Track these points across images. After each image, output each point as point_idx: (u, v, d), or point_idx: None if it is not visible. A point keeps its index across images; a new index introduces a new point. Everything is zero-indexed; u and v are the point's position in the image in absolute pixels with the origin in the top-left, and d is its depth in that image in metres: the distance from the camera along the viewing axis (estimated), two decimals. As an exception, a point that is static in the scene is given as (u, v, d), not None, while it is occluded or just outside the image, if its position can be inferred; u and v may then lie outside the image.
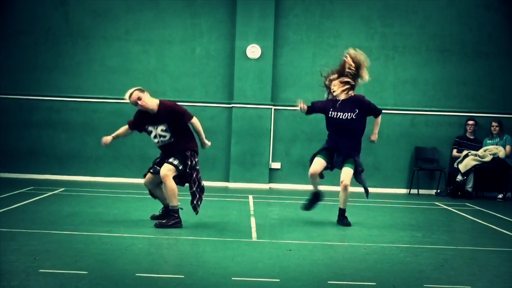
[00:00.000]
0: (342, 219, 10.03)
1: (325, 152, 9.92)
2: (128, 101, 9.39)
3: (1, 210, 10.00)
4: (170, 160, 9.22)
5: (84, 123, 14.95)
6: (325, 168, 9.98)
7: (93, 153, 14.90)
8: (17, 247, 7.56)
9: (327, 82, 9.99)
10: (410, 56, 15.14)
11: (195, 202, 9.37)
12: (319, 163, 9.85)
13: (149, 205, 11.01)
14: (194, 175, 9.43)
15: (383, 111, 14.80)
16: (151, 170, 9.50)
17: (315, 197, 10.19)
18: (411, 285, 6.71)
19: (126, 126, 9.72)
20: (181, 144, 9.34)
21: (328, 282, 6.64)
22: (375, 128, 10.27)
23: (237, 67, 14.86)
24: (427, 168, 14.85)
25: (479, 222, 10.92)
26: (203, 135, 9.61)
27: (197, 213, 9.46)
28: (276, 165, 14.97)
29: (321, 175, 10.04)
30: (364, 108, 9.93)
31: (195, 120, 9.47)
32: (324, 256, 7.90)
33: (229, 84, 15.01)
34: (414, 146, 15.05)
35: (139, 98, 9.27)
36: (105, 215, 10.10)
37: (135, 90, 9.34)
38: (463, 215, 11.75)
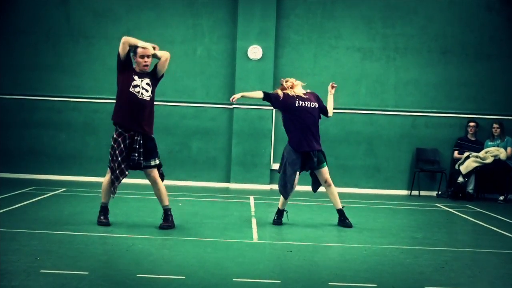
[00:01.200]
0: (343, 220, 10.00)
1: (298, 166, 9.75)
2: (142, 46, 9.25)
3: (2, 210, 10.01)
4: (152, 163, 9.16)
5: (85, 123, 14.95)
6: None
7: (94, 153, 14.89)
8: (18, 247, 7.56)
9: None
10: (412, 57, 15.14)
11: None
12: (296, 180, 9.74)
13: (150, 205, 11.02)
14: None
15: (384, 112, 14.96)
16: (127, 173, 9.15)
17: (280, 215, 10.10)
18: (411, 287, 6.72)
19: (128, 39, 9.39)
20: (150, 112, 9.16)
21: (329, 283, 6.64)
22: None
23: (239, 67, 14.85)
24: (428, 169, 14.84)
25: (480, 224, 10.92)
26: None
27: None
28: (277, 166, 14.88)
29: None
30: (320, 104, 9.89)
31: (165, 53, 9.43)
32: (325, 257, 7.91)
33: (230, 84, 15.01)
34: (415, 148, 15.04)
35: (149, 56, 9.24)
36: (105, 215, 10.07)
37: (152, 49, 9.30)
38: (464, 217, 11.74)
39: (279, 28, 15.00)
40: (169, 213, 9.30)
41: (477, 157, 14.19)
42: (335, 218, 10.21)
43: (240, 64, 14.84)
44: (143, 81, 9.16)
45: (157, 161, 9.23)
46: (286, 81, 9.91)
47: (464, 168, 14.14)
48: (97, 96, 14.93)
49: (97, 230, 8.83)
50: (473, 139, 14.81)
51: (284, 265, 7.34)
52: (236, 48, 14.88)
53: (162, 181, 9.35)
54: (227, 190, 14.37)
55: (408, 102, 15.13)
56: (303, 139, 9.65)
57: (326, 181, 9.81)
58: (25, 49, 14.93)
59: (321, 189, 10.21)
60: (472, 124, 14.80)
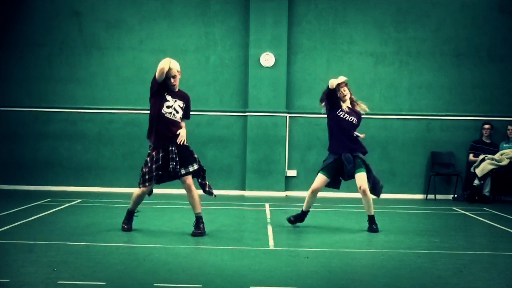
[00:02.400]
0: (371, 225, 10.08)
1: (330, 166, 10.10)
2: (169, 66, 9.32)
3: (19, 222, 10.04)
4: (191, 169, 9.39)
5: (100, 134, 15.00)
6: (333, 183, 10.28)
7: (109, 164, 14.93)
8: (36, 259, 7.58)
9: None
10: (425, 61, 15.10)
11: (208, 189, 9.61)
12: (321, 180, 10.10)
13: (166, 215, 11.03)
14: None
15: (398, 116, 14.93)
16: (156, 178, 9.42)
17: (302, 216, 10.35)
18: (430, 291, 6.70)
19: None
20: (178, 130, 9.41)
21: (346, 289, 6.63)
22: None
23: (251, 75, 14.87)
24: (443, 173, 14.78)
25: (497, 227, 10.87)
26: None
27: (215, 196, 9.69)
28: (292, 172, 14.96)
29: (337, 186, 10.35)
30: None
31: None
32: (342, 263, 7.88)
33: (243, 92, 15.03)
34: (430, 151, 14.99)
35: (175, 76, 9.42)
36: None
37: (178, 66, 9.48)
38: (480, 220, 11.69)
39: (291, 34, 15.01)
40: (201, 220, 9.45)
41: (492, 159, 14.13)
42: (351, 224, 10.19)
43: (253, 71, 14.85)
44: (176, 102, 9.45)
45: (195, 166, 9.44)
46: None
47: (479, 170, 14.09)
48: (112, 107, 14.98)
49: (114, 240, 8.84)
50: (488, 141, 14.75)
51: (301, 271, 7.33)
52: (249, 56, 14.90)
53: (212, 195, 9.64)
54: (242, 198, 14.37)
55: (422, 106, 15.09)
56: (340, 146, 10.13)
57: (360, 187, 9.92)
58: (39, 61, 15.01)
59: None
60: (487, 126, 14.74)
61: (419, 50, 15.10)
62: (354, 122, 10.12)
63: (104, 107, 15.00)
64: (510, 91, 15.08)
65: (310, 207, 10.37)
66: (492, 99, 15.08)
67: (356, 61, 15.12)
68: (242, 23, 15.05)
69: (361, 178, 9.92)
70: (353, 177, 10.04)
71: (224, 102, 15.08)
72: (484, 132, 14.76)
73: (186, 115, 9.58)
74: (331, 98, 10.12)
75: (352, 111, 10.21)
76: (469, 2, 15.09)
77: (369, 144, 14.81)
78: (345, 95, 10.17)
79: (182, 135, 9.35)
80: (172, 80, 9.39)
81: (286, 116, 14.83)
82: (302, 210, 10.37)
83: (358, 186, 9.90)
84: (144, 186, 9.38)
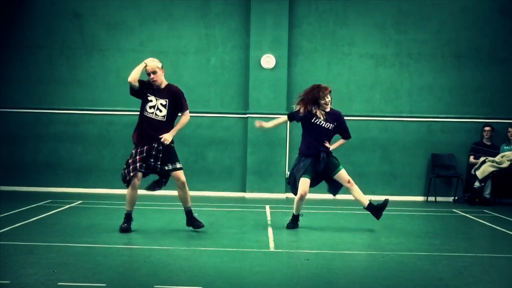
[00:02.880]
0: (375, 210, 10.29)
1: (310, 169, 10.24)
2: (147, 65, 9.62)
3: (19, 224, 10.03)
4: (177, 165, 9.62)
5: (100, 135, 15.00)
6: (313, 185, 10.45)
7: (109, 165, 14.93)
8: (36, 260, 7.57)
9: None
10: (426, 63, 15.11)
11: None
12: (306, 184, 10.18)
13: (166, 216, 11.02)
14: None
15: (399, 118, 14.93)
16: (142, 170, 9.54)
17: (296, 219, 10.47)
18: (430, 293, 6.69)
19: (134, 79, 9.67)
20: (166, 131, 9.59)
21: (347, 291, 6.62)
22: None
23: (252, 77, 14.87)
24: (444, 175, 14.78)
25: (498, 229, 10.86)
26: (179, 129, 9.79)
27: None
28: (292, 174, 14.93)
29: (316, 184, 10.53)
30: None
31: (187, 113, 9.80)
32: (343, 265, 7.88)
33: (244, 94, 15.03)
34: (431, 153, 14.99)
35: (154, 72, 9.59)
36: (122, 227, 10.09)
37: (157, 63, 9.67)
38: (481, 222, 11.68)
39: (291, 36, 15.01)
40: (193, 213, 9.83)
41: (493, 161, 14.12)
42: (352, 226, 10.19)
43: (254, 73, 14.86)
44: (158, 101, 9.64)
45: (179, 165, 9.63)
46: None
47: (480, 173, 14.08)
48: (112, 108, 14.99)
49: (114, 242, 8.84)
50: (488, 143, 14.75)
51: (302, 273, 7.32)
52: (249, 58, 14.90)
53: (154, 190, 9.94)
54: (243, 200, 14.36)
55: (423, 108, 15.09)
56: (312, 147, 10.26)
57: (349, 181, 10.18)
58: (39, 63, 15.02)
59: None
60: (487, 128, 14.73)
61: (419, 52, 15.10)
62: (330, 128, 10.26)
63: (104, 108, 15.01)
64: (511, 93, 15.07)
65: (300, 211, 10.44)
66: (492, 101, 15.07)
67: (357, 63, 15.12)
68: (242, 25, 15.05)
69: (343, 174, 10.20)
70: (329, 177, 10.29)
71: (225, 104, 15.08)
72: (484, 134, 14.75)
73: (177, 109, 9.70)
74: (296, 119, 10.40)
75: (329, 116, 10.29)
76: (470, 4, 15.09)
77: (370, 146, 14.94)
78: (328, 104, 10.28)
79: (165, 138, 9.50)
80: (151, 76, 9.57)
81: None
82: (294, 214, 10.43)
83: (346, 181, 10.19)
84: (129, 178, 9.48)
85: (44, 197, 13.40)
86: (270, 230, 10.17)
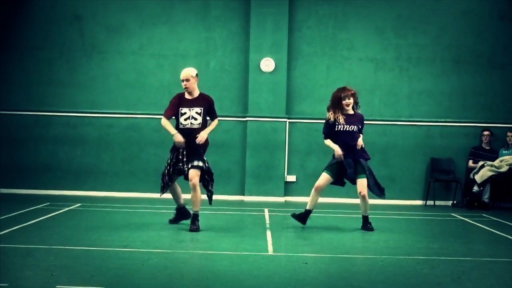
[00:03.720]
0: (366, 225, 10.60)
1: (334, 166, 10.59)
2: (183, 74, 10.22)
3: (17, 226, 10.01)
4: (194, 163, 10.07)
5: (100, 138, 14.99)
6: (338, 182, 10.77)
7: (108, 168, 14.93)
8: (34, 263, 7.56)
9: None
10: (425, 67, 15.11)
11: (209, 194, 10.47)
12: (325, 178, 10.58)
13: (165, 219, 11.01)
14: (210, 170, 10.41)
15: (398, 122, 14.93)
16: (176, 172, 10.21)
17: (305, 215, 10.75)
18: (429, 298, 6.68)
19: (165, 119, 10.25)
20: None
21: (345, 295, 6.62)
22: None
23: (251, 80, 14.87)
24: (443, 179, 14.78)
25: (497, 233, 10.85)
26: (211, 130, 10.47)
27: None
28: (291, 178, 14.94)
29: (341, 184, 10.88)
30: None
31: (217, 120, 10.56)
32: (341, 268, 7.87)
33: (243, 97, 15.03)
34: (430, 157, 14.99)
35: (188, 79, 10.18)
36: (121, 230, 10.09)
37: (192, 71, 10.28)
38: (480, 226, 11.67)
39: (291, 40, 15.02)
40: (197, 218, 10.13)
41: (492, 166, 14.13)
42: (350, 229, 10.20)
43: (253, 76, 14.86)
44: (192, 110, 10.25)
45: (200, 163, 10.11)
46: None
47: (479, 177, 14.09)
48: (111, 111, 14.98)
49: (113, 245, 8.82)
50: (487, 148, 14.75)
51: (300, 277, 7.30)
52: (249, 61, 14.90)
53: (210, 203, 10.53)
54: (241, 203, 14.35)
55: (422, 112, 15.09)
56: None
57: (360, 192, 10.42)
58: (39, 65, 15.01)
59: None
60: (486, 133, 14.74)
61: (419, 57, 15.10)
62: (354, 130, 10.52)
63: (104, 111, 15.00)
64: (510, 98, 15.08)
65: (313, 207, 10.73)
66: (492, 106, 15.08)
67: (356, 67, 15.12)
68: (242, 28, 15.06)
69: (362, 183, 10.40)
70: (354, 181, 10.52)
71: (224, 107, 15.05)
72: (483, 138, 14.76)
73: (210, 116, 10.41)
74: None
75: (351, 117, 10.58)
76: (469, 9, 15.10)
77: (369, 150, 14.77)
78: (349, 105, 10.58)
79: (201, 135, 10.10)
80: (184, 82, 10.17)
81: (286, 121, 14.82)
82: (306, 209, 10.73)
83: (359, 191, 10.38)
84: (164, 190, 10.32)
85: (43, 200, 13.38)
86: (268, 233, 10.16)
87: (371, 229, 10.52)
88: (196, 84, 10.26)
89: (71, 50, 15.06)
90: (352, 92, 10.62)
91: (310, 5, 15.07)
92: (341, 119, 10.47)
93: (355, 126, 10.53)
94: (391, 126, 15.06)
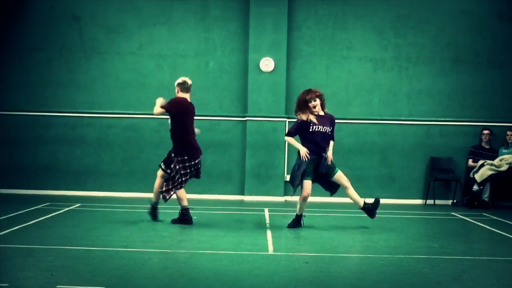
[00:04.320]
0: (371, 211, 10.75)
1: (310, 170, 10.55)
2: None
3: (17, 227, 10.00)
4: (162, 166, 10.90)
5: (99, 138, 14.98)
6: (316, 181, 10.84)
7: (108, 169, 14.92)
8: (34, 263, 7.55)
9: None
10: (424, 67, 15.10)
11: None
12: (309, 186, 10.52)
13: (165, 219, 11.00)
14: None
15: (397, 122, 14.92)
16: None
17: (298, 219, 10.78)
18: (429, 297, 6.68)
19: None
20: (173, 139, 10.78)
21: (346, 294, 6.61)
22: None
23: (251, 80, 14.86)
24: (442, 178, 14.77)
25: (497, 232, 10.84)
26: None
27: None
28: (291, 177, 14.90)
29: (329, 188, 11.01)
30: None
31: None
32: (341, 268, 7.87)
33: (243, 97, 15.01)
34: (430, 157, 14.98)
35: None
36: (121, 230, 10.08)
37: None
38: (480, 225, 11.66)
39: (290, 40, 15.00)
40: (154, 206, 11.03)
41: (491, 165, 14.12)
42: (350, 229, 10.19)
43: (252, 76, 14.85)
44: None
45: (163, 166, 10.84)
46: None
47: (479, 176, 14.08)
48: (111, 111, 14.96)
49: (113, 245, 8.81)
50: (487, 147, 14.75)
51: (301, 276, 7.30)
52: (248, 61, 14.89)
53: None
54: (241, 203, 14.34)
55: (421, 112, 15.08)
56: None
57: (343, 183, 10.59)
58: (38, 66, 15.00)
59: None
60: (486, 132, 14.73)
61: (418, 56, 15.09)
62: (327, 132, 10.60)
63: (103, 111, 14.99)
64: (509, 97, 15.07)
65: (303, 211, 10.77)
66: (491, 105, 15.07)
67: (355, 67, 15.11)
68: (241, 28, 15.04)
69: (340, 176, 10.61)
70: (325, 177, 10.65)
71: (224, 107, 15.06)
72: (483, 137, 14.75)
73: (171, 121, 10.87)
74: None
75: (322, 118, 10.61)
76: (468, 8, 15.09)
77: (369, 150, 14.92)
78: (315, 106, 10.56)
79: None
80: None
81: (286, 121, 14.81)
82: (297, 215, 10.73)
83: (342, 183, 10.57)
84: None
85: (43, 200, 13.36)
86: (269, 233, 10.15)
87: (375, 208, 10.72)
88: (176, 93, 10.95)
89: (71, 51, 15.04)
90: (318, 93, 10.60)
91: (309, 5, 15.06)
92: (314, 120, 10.49)
93: (327, 128, 10.57)
94: (390, 125, 15.05)
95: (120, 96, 14.98)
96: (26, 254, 8.08)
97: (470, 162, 14.70)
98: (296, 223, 10.66)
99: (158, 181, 10.82)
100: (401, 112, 15.08)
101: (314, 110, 10.52)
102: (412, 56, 15.09)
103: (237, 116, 14.99)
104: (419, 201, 14.94)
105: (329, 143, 10.61)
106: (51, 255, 8.07)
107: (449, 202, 14.83)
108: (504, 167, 14.09)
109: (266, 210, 12.97)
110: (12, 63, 15.00)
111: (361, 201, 10.67)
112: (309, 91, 10.63)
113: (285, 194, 14.83)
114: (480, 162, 14.30)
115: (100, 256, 8.10)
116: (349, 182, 10.59)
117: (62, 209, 12.26)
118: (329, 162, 10.53)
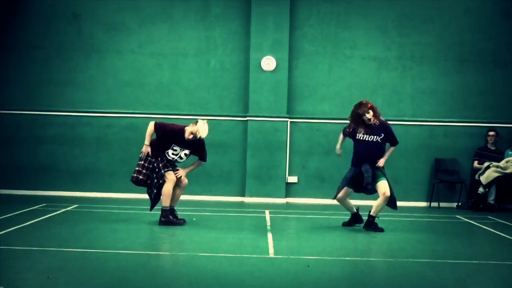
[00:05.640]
0: (370, 226, 10.65)
1: (351, 180, 10.72)
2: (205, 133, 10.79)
3: (14, 228, 9.93)
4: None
5: (98, 138, 14.88)
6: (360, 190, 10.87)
7: (107, 169, 14.83)
8: (31, 265, 7.47)
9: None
10: (428, 66, 14.99)
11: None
12: (345, 191, 10.75)
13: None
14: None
15: (401, 122, 14.79)
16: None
17: (355, 217, 11.01)
18: (435, 302, 6.57)
19: (153, 128, 10.69)
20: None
21: (349, 299, 6.50)
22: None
23: (252, 79, 14.75)
24: (447, 180, 14.65)
25: (502, 236, 10.76)
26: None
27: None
28: (292, 179, 14.81)
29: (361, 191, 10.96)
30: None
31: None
32: (343, 271, 7.78)
33: (244, 96, 14.91)
34: (434, 158, 14.87)
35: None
36: (119, 231, 10.00)
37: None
38: (485, 228, 11.58)
39: (292, 39, 14.90)
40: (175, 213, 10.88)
41: (497, 167, 13.99)
42: (353, 232, 10.12)
43: (254, 75, 14.74)
44: (183, 151, 10.78)
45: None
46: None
47: (484, 178, 13.94)
48: (110, 111, 14.87)
49: (111, 247, 8.73)
50: (493, 148, 14.61)
51: (302, 280, 7.21)
52: (250, 60, 14.79)
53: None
54: (242, 204, 14.26)
55: (425, 112, 14.96)
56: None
57: (384, 193, 10.46)
58: (37, 64, 14.91)
59: (333, 201, 11.07)
60: (491, 133, 14.61)
61: (422, 55, 14.98)
62: (376, 140, 10.64)
63: (102, 111, 14.89)
64: (515, 97, 14.99)
65: (353, 208, 10.98)
66: (496, 105, 14.95)
67: (359, 66, 15.00)
68: (243, 27, 14.94)
69: (384, 184, 10.51)
70: (370, 187, 10.58)
71: (225, 106, 14.96)
72: (489, 139, 14.62)
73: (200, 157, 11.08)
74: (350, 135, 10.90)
75: (374, 129, 10.65)
76: (473, 7, 14.99)
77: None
78: (370, 119, 10.61)
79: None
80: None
81: (287, 121, 14.70)
82: (352, 214, 11.02)
83: (382, 192, 10.44)
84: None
85: (41, 201, 13.30)
86: (269, 235, 10.06)
87: (381, 230, 10.56)
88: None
89: (69, 49, 14.95)
90: (370, 105, 10.62)
91: (312, 4, 14.96)
92: (362, 131, 10.61)
93: (376, 137, 10.62)
94: (394, 125, 14.77)
95: (120, 95, 14.89)
96: (23, 255, 7.99)
97: (476, 163, 14.57)
98: (354, 221, 11.00)
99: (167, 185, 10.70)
100: (404, 112, 14.97)
101: (370, 122, 10.59)
102: (416, 56, 14.98)
103: (238, 116, 14.89)
104: (423, 204, 14.82)
105: (379, 152, 10.66)
106: (48, 256, 8.00)
107: (454, 204, 14.71)
108: (510, 169, 13.96)
109: (267, 212, 12.87)
110: (10, 61, 14.93)
111: (374, 214, 10.61)
112: (360, 105, 10.64)
113: (287, 196, 14.72)
114: (486, 164, 14.17)
115: (98, 258, 8.02)
116: (385, 196, 10.42)
117: (59, 210, 12.19)
118: (381, 166, 10.63)
